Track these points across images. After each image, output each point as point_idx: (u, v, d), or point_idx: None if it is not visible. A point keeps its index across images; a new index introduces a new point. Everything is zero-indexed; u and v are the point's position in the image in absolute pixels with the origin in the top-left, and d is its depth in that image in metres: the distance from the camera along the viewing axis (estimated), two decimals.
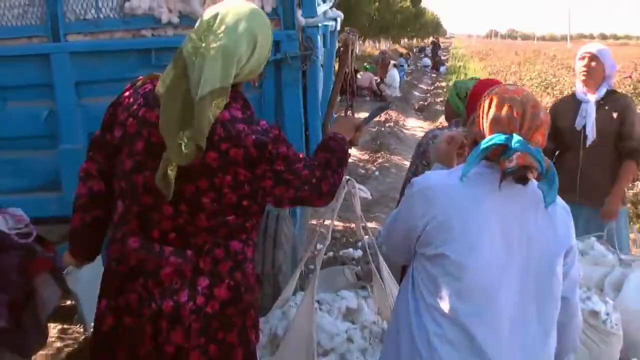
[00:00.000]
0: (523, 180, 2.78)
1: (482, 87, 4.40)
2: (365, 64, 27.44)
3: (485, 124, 2.82)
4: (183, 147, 2.77)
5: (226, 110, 2.89)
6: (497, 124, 2.77)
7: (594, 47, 6.00)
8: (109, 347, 3.07)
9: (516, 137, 2.72)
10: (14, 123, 4.50)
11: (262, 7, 4.25)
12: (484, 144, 2.71)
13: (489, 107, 2.84)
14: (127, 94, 3.07)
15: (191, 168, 2.84)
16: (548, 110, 6.43)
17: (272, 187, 2.94)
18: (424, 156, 4.00)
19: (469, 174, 2.77)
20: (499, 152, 2.73)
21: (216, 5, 3.01)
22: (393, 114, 20.50)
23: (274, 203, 3.06)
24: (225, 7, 2.94)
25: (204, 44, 2.84)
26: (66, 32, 4.35)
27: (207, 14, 2.97)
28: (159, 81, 2.91)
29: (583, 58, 5.90)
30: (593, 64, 5.80)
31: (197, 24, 2.94)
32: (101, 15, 4.33)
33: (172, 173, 2.81)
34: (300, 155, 3.05)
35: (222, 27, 2.90)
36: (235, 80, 2.92)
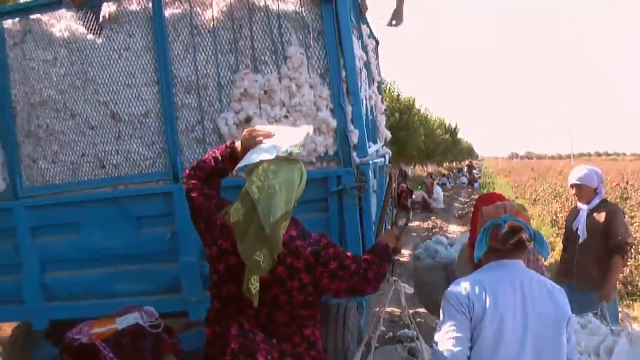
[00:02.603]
0: (521, 245, 2.90)
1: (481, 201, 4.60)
2: (418, 185, 27.50)
3: (480, 223, 3.00)
4: (262, 263, 2.88)
5: (285, 232, 2.97)
6: (488, 216, 2.93)
7: (575, 176, 6.12)
8: None
9: (504, 215, 2.94)
10: (147, 243, 4.63)
11: (327, 152, 4.38)
12: (484, 227, 2.87)
13: (481, 215, 3.01)
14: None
15: (266, 280, 2.95)
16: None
17: (329, 283, 3.04)
18: None
19: (481, 257, 3.03)
20: (497, 231, 2.86)
21: (258, 149, 3.12)
22: (438, 221, 20.41)
23: (333, 295, 3.17)
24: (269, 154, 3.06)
25: (265, 183, 2.95)
26: (183, 175, 4.49)
27: (254, 157, 3.07)
28: (230, 214, 3.03)
29: (572, 187, 6.11)
30: (578, 189, 5.99)
31: (251, 168, 3.05)
32: None
33: (255, 284, 2.92)
34: (348, 254, 3.14)
35: (277, 168, 3.03)
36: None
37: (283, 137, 3.18)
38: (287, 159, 3.09)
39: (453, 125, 57.21)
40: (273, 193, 2.97)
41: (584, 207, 5.99)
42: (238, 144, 3.33)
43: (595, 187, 6.03)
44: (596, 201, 5.96)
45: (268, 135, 3.19)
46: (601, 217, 5.85)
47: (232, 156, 3.32)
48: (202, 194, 3.34)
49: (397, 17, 6.06)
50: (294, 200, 3.08)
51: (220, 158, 3.37)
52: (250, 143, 3.20)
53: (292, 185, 3.06)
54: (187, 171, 3.47)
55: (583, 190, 6.00)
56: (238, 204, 3.01)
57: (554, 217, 16.78)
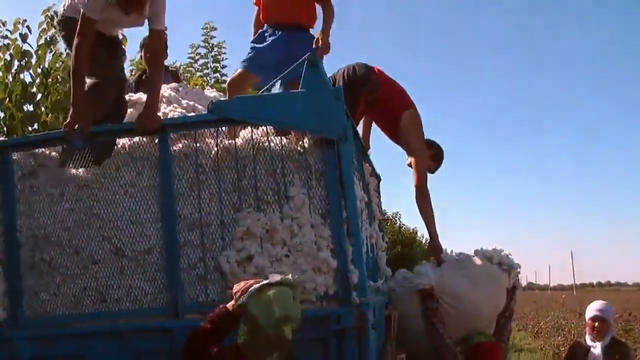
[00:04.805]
0: None
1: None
2: None
3: None
4: None
5: None
6: None
7: (597, 308, 6.06)
8: None
9: None
10: None
11: (327, 291, 4.40)
12: None
13: None
14: None
15: None
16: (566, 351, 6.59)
17: None
18: None
19: None
20: None
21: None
22: None
23: None
24: None
25: (262, 297, 3.46)
26: (184, 312, 4.54)
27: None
28: (238, 338, 3.42)
29: (594, 320, 5.98)
30: (601, 323, 5.91)
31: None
32: (208, 299, 4.53)
33: None
34: None
35: (271, 287, 3.48)
36: None
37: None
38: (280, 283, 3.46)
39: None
40: (268, 301, 3.27)
41: (596, 344, 5.93)
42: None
43: (611, 322, 6.03)
44: (608, 338, 5.91)
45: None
46: (616, 356, 5.79)
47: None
48: None
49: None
50: (294, 314, 3.32)
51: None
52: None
53: (286, 295, 3.38)
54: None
55: (605, 325, 5.96)
56: (242, 325, 3.17)
57: (556, 351, 16.65)
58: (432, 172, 6.85)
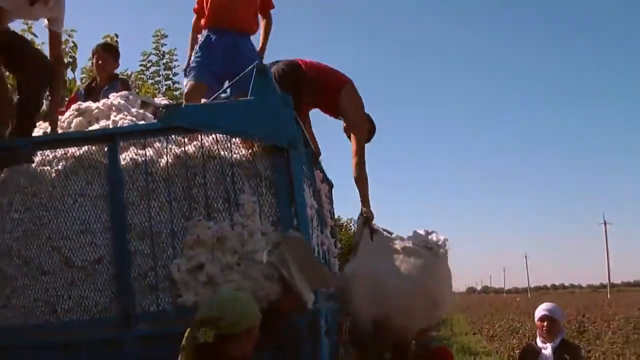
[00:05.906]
0: None
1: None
2: None
3: None
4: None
5: None
6: None
7: (546, 308, 6.11)
8: None
9: None
10: None
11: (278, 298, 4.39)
12: None
13: None
14: None
15: None
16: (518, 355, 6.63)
17: None
18: None
19: None
20: None
21: None
22: None
23: None
24: None
25: None
26: (136, 322, 4.49)
27: None
28: None
29: (542, 320, 6.04)
30: (550, 322, 5.97)
31: None
32: (159, 308, 4.50)
33: None
34: None
35: None
36: None
37: None
38: None
39: None
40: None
41: (546, 346, 5.98)
42: None
43: (561, 323, 6.10)
44: (559, 339, 5.97)
45: None
46: (567, 358, 5.84)
47: None
48: None
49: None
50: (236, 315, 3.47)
51: None
52: None
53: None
54: None
55: (554, 325, 6.01)
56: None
57: (512, 353, 16.82)
58: None
